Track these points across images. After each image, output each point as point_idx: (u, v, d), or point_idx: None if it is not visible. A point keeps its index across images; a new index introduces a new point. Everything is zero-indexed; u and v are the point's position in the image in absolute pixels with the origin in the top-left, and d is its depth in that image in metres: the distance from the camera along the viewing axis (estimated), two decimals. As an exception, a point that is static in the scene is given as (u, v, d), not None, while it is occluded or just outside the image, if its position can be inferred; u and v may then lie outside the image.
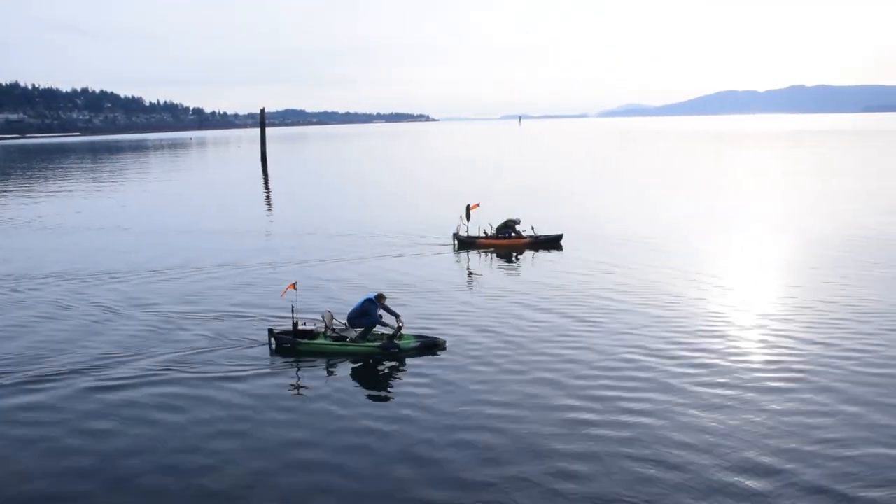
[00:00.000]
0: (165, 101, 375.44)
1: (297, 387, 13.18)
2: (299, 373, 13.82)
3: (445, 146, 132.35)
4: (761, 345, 14.38)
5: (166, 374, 13.53)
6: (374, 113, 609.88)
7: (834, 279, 19.92)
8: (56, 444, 10.88)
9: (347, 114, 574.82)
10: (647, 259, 23.28)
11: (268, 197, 47.71)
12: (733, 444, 10.11)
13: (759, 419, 10.89)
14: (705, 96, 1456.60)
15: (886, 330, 15.13)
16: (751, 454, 9.81)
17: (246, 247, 27.08)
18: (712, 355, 13.79)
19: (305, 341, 14.85)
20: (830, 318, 16.01)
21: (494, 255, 25.27)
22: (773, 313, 16.52)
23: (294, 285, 15.30)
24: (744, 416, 10.99)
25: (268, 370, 13.83)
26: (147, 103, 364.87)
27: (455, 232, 26.72)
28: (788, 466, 9.47)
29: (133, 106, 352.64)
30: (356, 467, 9.93)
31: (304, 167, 79.66)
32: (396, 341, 14.63)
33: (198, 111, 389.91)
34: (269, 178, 62.37)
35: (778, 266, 22.14)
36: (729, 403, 11.47)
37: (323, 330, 15.18)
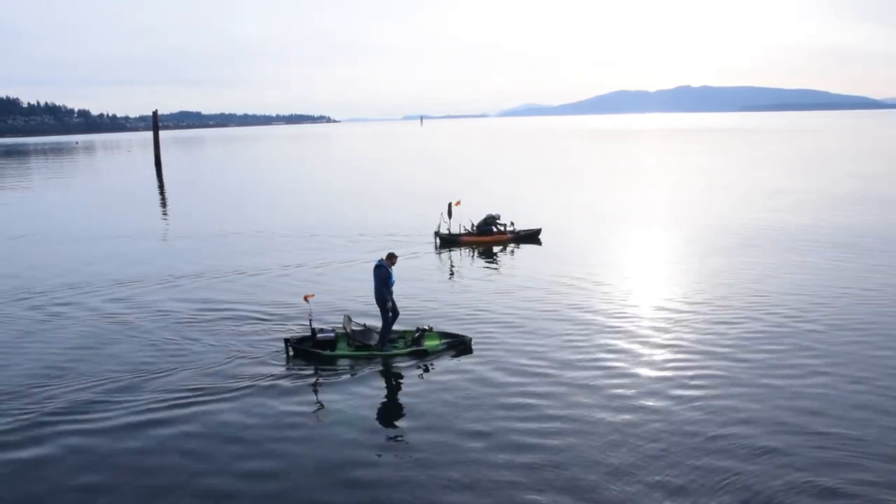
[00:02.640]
0: (47, 103, 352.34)
1: (324, 398, 12.39)
2: (323, 382, 13.07)
3: (362, 146, 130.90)
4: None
5: (174, 397, 12.36)
6: (274, 115, 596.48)
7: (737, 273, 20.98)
8: (67, 472, 10.03)
9: (246, 116, 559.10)
10: (626, 245, 25.18)
11: (164, 202, 45.77)
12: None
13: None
14: (600, 96, 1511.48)
15: (797, 326, 15.52)
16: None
17: (204, 254, 25.81)
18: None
19: (327, 352, 14.12)
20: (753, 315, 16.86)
21: (478, 252, 25.41)
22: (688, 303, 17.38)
23: (310, 295, 14.55)
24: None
25: (289, 382, 13.01)
26: (25, 104, 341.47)
27: (436, 230, 26.73)
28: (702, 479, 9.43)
29: (9, 107, 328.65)
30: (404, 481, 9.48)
31: (208, 171, 76.87)
32: (424, 343, 14.17)
33: (84, 113, 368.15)
34: (165, 184, 59.81)
35: (687, 256, 23.34)
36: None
37: (344, 335, 14.56)
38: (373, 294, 14.48)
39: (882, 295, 17.72)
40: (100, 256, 25.76)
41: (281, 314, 17.20)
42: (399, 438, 10.82)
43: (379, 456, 10.25)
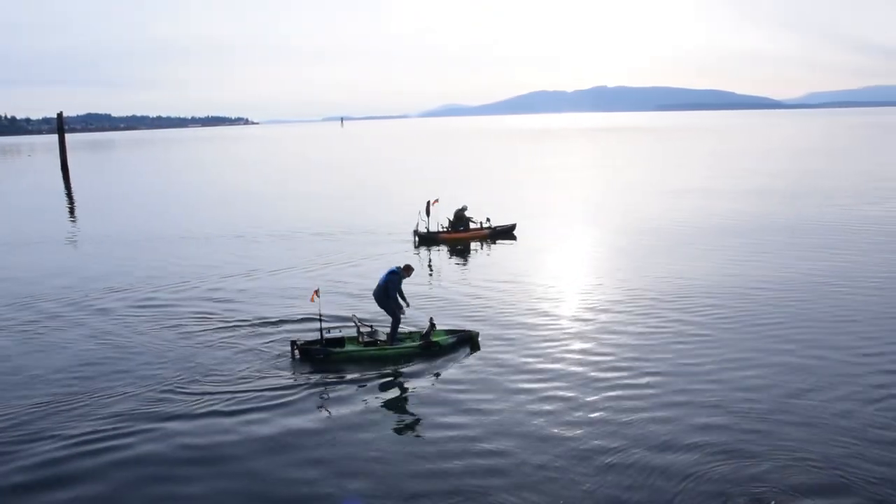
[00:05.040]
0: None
1: (333, 399, 12.02)
2: (338, 386, 12.59)
3: (293, 148, 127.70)
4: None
5: (185, 408, 11.63)
6: (189, 117, 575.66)
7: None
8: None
9: (159, 118, 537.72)
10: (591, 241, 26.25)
11: (73, 209, 42.63)
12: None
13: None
14: (519, 96, 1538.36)
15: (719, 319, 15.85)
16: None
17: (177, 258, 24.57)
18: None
19: (337, 350, 13.73)
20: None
21: (457, 249, 25.77)
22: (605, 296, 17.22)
23: (317, 292, 13.82)
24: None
25: (305, 387, 12.48)
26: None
27: (415, 228, 26.92)
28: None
29: None
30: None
31: (121, 176, 72.80)
32: (433, 338, 13.97)
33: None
34: (73, 190, 55.93)
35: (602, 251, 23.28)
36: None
37: (355, 336, 14.27)
38: (384, 282, 14.38)
39: (801, 284, 18.42)
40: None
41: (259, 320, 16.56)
42: (415, 440, 10.56)
43: (396, 460, 9.96)
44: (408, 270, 14.57)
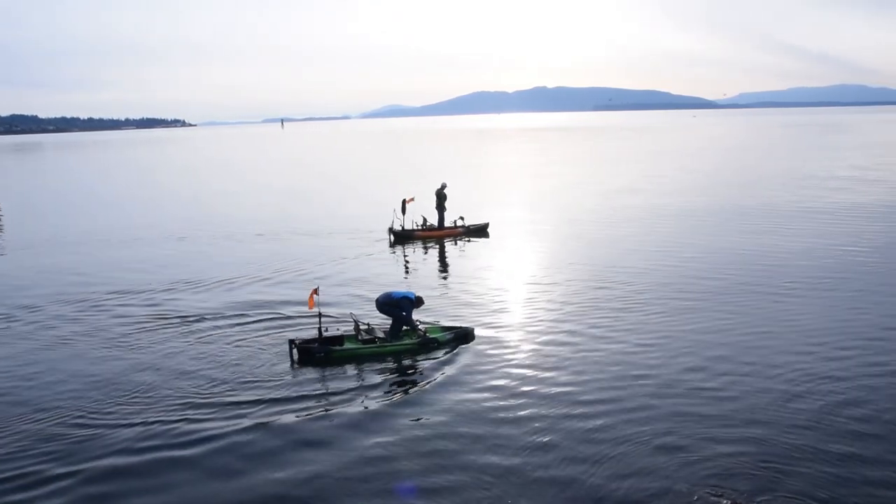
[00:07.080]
0: None
1: (345, 399, 11.91)
2: (339, 384, 12.61)
3: (244, 150, 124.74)
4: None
5: (193, 411, 11.55)
6: (123, 118, 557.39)
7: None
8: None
9: (91, 119, 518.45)
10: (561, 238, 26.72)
11: None
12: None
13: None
14: (461, 97, 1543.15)
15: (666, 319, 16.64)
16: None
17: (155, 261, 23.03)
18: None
19: (337, 348, 13.77)
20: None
21: (432, 246, 25.98)
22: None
23: (316, 291, 13.84)
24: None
25: (306, 386, 12.47)
26: None
27: (390, 226, 26.94)
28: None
29: None
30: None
31: (48, 181, 69.94)
32: (430, 335, 14.27)
33: None
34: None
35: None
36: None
37: (354, 334, 14.29)
38: (397, 300, 14.51)
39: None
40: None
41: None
42: (419, 439, 10.54)
43: (402, 461, 9.98)
44: (419, 303, 14.71)
